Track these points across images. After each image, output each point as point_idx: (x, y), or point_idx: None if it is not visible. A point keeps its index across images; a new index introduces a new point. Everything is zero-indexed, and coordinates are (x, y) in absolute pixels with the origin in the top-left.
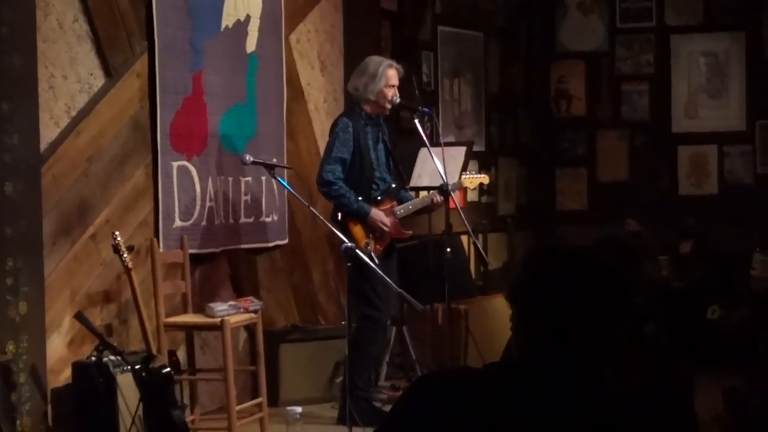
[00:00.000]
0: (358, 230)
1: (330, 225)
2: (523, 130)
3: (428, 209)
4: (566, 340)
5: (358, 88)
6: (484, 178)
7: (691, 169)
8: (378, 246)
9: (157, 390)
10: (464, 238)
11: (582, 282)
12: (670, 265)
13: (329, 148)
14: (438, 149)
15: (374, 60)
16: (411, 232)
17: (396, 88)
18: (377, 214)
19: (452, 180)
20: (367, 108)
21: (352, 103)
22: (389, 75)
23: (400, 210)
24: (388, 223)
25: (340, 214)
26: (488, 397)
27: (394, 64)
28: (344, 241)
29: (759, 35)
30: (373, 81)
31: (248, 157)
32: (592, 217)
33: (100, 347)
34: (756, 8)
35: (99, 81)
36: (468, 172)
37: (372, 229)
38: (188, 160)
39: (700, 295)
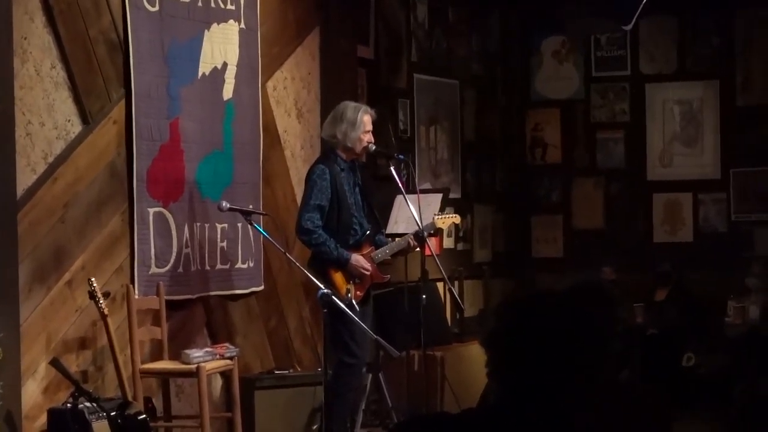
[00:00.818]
0: (338, 277)
1: (306, 271)
2: (498, 178)
3: (404, 251)
4: (542, 385)
5: (335, 135)
6: (456, 218)
7: (666, 217)
8: (358, 292)
9: None
10: (440, 285)
11: (557, 328)
12: (645, 313)
13: (307, 195)
14: (414, 196)
15: (350, 106)
16: (389, 276)
17: (371, 133)
18: (357, 260)
19: (426, 223)
20: (343, 154)
21: (327, 150)
22: (365, 121)
23: (378, 254)
24: (369, 268)
25: (319, 261)
26: None
27: (369, 109)
28: (320, 288)
29: (732, 83)
30: (353, 128)
31: (225, 204)
32: (568, 264)
33: (76, 394)
34: (729, 57)
35: (76, 128)
36: (439, 213)
37: (352, 275)
38: (165, 207)
39: (675, 341)
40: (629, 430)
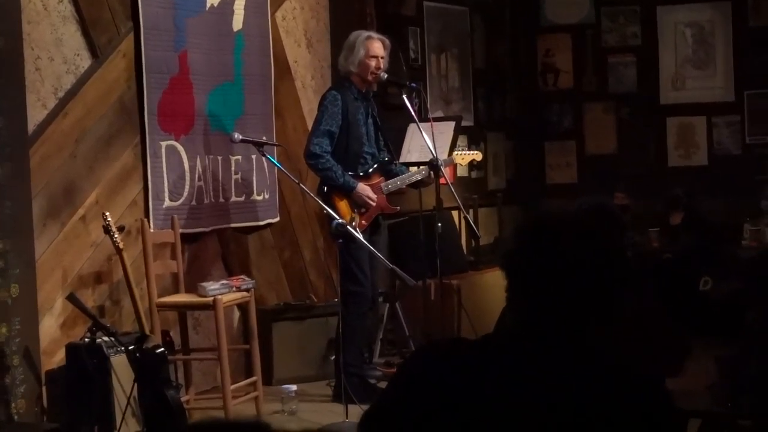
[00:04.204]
0: (343, 205)
1: (321, 202)
2: (510, 105)
3: (420, 184)
4: (559, 307)
5: (341, 62)
6: (477, 155)
7: (679, 141)
8: (363, 221)
9: (151, 370)
10: (455, 214)
11: (566, 248)
12: (660, 237)
13: (317, 120)
14: (426, 125)
15: (354, 33)
16: (398, 208)
17: (379, 59)
18: (363, 189)
19: (441, 155)
20: (355, 80)
21: (341, 78)
22: (369, 45)
23: (388, 185)
24: (375, 199)
25: (326, 187)
26: (484, 367)
27: (375, 35)
28: (335, 218)
29: (744, 4)
30: (352, 53)
31: (237, 135)
32: (582, 190)
33: (93, 328)
34: None
35: (85, 62)
36: (460, 149)
37: (357, 204)
38: (176, 140)
39: (691, 266)
40: (646, 354)
